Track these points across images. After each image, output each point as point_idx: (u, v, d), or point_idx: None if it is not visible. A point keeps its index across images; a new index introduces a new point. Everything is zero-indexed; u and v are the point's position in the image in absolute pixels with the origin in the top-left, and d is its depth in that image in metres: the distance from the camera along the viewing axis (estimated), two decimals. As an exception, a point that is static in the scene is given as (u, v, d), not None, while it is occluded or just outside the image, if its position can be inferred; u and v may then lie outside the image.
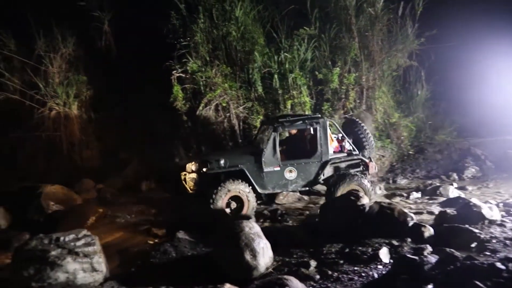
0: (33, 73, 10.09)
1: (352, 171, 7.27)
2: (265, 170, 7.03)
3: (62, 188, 8.38)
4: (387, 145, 10.67)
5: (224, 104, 9.80)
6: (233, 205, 6.96)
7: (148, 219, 7.61)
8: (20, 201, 7.79)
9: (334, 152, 7.40)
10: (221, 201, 6.77)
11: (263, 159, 7.00)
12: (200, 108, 9.72)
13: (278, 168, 7.10)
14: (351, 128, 7.80)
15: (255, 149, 7.39)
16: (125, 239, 6.56)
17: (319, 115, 7.69)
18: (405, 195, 8.26)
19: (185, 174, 7.38)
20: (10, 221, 7.35)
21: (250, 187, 6.96)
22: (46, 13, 10.05)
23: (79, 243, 4.57)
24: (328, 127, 7.21)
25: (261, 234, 4.81)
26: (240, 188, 6.86)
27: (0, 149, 10.25)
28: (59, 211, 7.79)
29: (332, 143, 7.38)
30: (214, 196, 6.74)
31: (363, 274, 4.47)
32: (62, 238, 4.55)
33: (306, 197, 8.47)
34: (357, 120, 8.23)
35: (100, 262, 4.62)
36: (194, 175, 7.16)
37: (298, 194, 8.38)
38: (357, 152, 7.42)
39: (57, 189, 8.27)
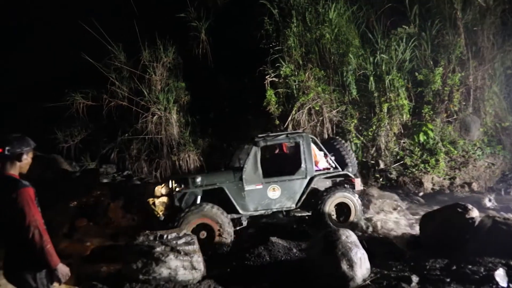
0: (138, 81, 10.97)
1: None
2: (246, 188, 6.42)
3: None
4: (498, 152, 9.61)
5: (317, 108, 9.65)
6: (203, 234, 6.01)
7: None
8: (128, 197, 8.57)
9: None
10: (187, 227, 5.85)
11: (243, 176, 6.41)
12: (293, 112, 9.69)
13: (261, 186, 6.51)
14: (331, 146, 7.37)
15: (234, 166, 6.85)
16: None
17: (301, 131, 7.47)
18: (522, 208, 7.36)
19: (153, 200, 6.58)
20: (123, 214, 8.09)
21: (225, 215, 6.10)
22: (151, 26, 10.91)
23: (180, 241, 4.83)
24: (311, 143, 6.81)
25: (358, 243, 4.62)
26: (214, 214, 5.99)
27: (107, 151, 11.33)
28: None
29: (319, 162, 6.94)
30: (180, 219, 5.88)
31: (475, 296, 4.03)
32: (165, 236, 4.85)
33: (403, 206, 7.98)
34: (338, 138, 8.02)
35: (199, 261, 4.83)
36: (164, 199, 6.48)
37: (395, 202, 7.95)
38: (340, 169, 6.96)
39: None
